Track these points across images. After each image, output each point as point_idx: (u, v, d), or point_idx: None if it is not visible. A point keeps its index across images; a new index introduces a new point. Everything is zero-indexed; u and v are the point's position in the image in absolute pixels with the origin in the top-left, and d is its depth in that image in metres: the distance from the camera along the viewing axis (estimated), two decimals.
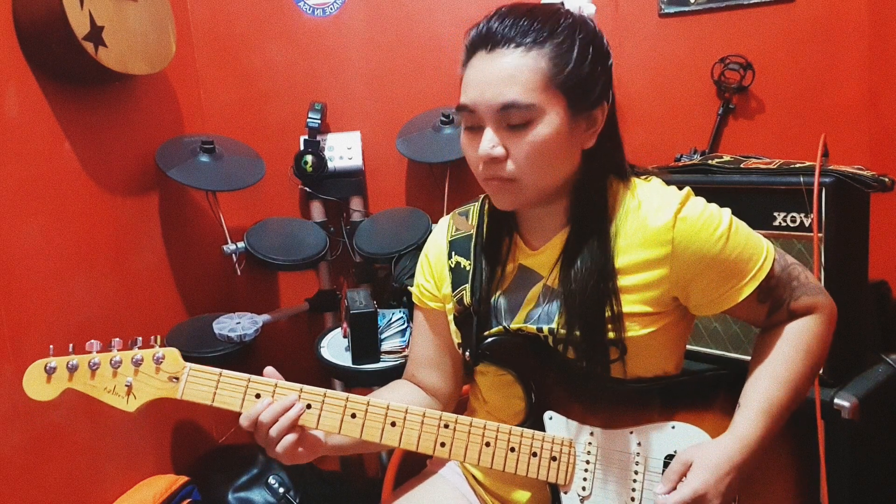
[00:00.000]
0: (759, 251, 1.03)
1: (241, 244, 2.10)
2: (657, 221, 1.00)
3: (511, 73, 0.95)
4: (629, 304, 1.02)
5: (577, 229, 1.04)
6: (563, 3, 1.01)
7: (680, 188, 1.05)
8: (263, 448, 1.02)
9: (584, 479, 1.04)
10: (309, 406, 1.01)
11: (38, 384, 0.97)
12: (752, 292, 1.02)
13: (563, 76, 0.95)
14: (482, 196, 1.17)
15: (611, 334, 1.02)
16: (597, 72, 0.98)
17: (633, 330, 1.02)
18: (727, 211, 1.03)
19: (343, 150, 2.28)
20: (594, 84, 0.98)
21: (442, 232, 1.20)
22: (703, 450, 0.99)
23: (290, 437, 0.99)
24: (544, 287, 1.07)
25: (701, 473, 0.96)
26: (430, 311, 1.21)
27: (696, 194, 1.05)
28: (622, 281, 1.02)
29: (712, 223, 1.00)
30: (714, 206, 1.03)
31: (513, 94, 0.95)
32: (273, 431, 0.98)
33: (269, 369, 1.03)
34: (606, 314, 1.01)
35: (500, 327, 1.08)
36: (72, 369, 0.97)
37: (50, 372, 0.97)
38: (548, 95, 0.95)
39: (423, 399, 1.22)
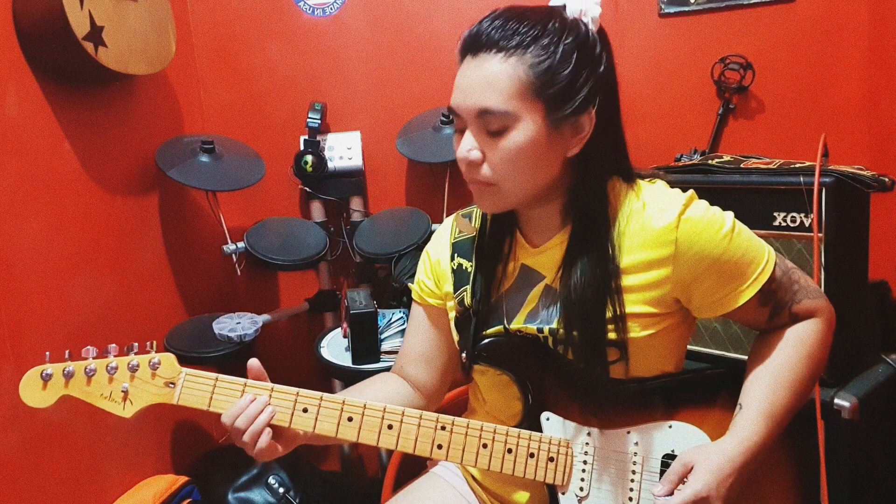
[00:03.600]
0: (760, 254, 1.03)
1: (241, 244, 2.10)
2: (661, 222, 1.00)
3: (489, 79, 0.95)
4: (631, 304, 1.02)
5: (579, 230, 1.04)
6: (564, 6, 1.00)
7: (684, 191, 1.05)
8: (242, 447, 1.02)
9: (582, 480, 1.04)
10: (305, 410, 1.02)
11: (35, 391, 0.97)
12: (754, 295, 1.03)
13: (541, 83, 0.95)
14: None
15: (611, 335, 1.02)
16: (580, 78, 0.96)
17: (634, 331, 1.02)
18: (730, 214, 1.04)
19: (343, 150, 2.28)
20: (576, 91, 0.96)
21: (445, 233, 1.20)
22: (704, 452, 0.99)
23: (265, 438, 0.99)
24: (546, 287, 1.08)
25: (702, 475, 0.96)
26: (430, 308, 1.21)
27: (696, 194, 1.05)
28: (625, 281, 1.02)
29: (715, 225, 1.00)
30: (717, 208, 1.03)
31: (489, 100, 0.95)
32: (246, 437, 0.98)
33: (252, 361, 1.03)
34: (608, 315, 1.01)
35: (500, 327, 1.09)
36: (68, 376, 0.97)
37: (46, 379, 0.97)
38: (524, 103, 0.95)
39: (408, 393, 1.22)
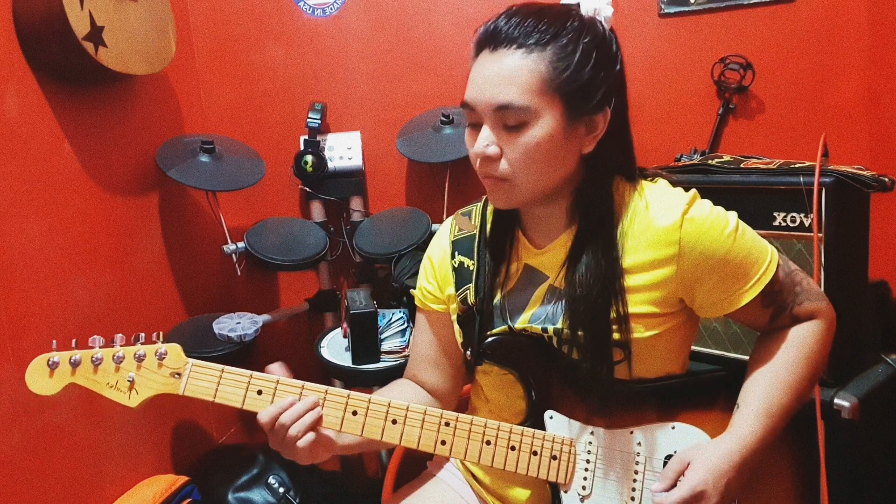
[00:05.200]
0: (764, 255, 1.03)
1: (241, 244, 2.10)
2: (664, 222, 1.00)
3: (509, 74, 0.95)
4: (635, 304, 1.02)
5: (583, 230, 1.04)
6: (577, 5, 1.00)
7: (686, 189, 1.05)
8: (277, 450, 1.02)
9: (585, 479, 1.04)
10: None
11: (41, 378, 0.97)
12: (757, 296, 1.03)
13: (562, 80, 0.95)
14: (484, 196, 1.17)
15: (616, 335, 1.02)
16: (599, 77, 0.97)
17: (638, 332, 1.03)
18: (733, 214, 1.04)
19: (343, 150, 2.28)
20: (595, 89, 0.97)
21: (445, 233, 1.20)
22: (702, 449, 0.99)
23: (310, 437, 1.00)
24: (550, 287, 1.08)
25: (700, 472, 0.96)
26: (433, 313, 1.21)
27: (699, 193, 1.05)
28: (629, 281, 1.02)
29: (719, 224, 1.00)
30: (720, 208, 1.03)
31: (509, 95, 0.95)
32: (294, 430, 0.99)
33: (274, 365, 1.04)
34: (612, 315, 1.01)
35: (505, 326, 1.09)
36: (74, 364, 0.97)
37: (52, 366, 0.97)
38: (544, 98, 0.96)
39: (425, 398, 1.23)
